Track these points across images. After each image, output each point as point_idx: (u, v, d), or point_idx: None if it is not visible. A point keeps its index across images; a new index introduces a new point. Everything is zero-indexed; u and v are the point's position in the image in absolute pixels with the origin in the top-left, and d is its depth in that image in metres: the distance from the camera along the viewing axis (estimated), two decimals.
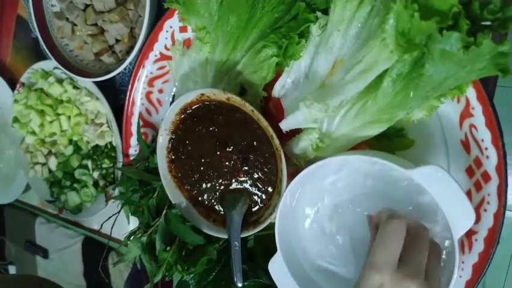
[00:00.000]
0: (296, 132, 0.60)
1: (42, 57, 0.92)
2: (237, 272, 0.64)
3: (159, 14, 0.72)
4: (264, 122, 0.59)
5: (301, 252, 0.64)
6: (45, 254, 1.16)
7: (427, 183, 0.46)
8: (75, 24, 0.75)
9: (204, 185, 0.69)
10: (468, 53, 0.41)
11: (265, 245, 0.70)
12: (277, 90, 0.61)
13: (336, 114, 0.55)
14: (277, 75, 0.63)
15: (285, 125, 0.58)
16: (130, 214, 0.76)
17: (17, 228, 1.27)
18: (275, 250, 0.69)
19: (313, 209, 0.62)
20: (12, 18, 0.96)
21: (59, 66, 0.77)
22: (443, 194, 0.46)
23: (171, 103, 0.76)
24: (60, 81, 0.83)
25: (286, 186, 0.58)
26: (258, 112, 0.59)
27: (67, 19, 0.76)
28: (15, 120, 0.85)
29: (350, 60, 0.52)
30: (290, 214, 0.61)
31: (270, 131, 0.59)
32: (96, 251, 1.03)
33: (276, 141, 0.59)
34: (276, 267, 0.61)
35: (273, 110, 0.68)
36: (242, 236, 0.64)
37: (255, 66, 0.63)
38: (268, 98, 0.67)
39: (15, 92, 0.90)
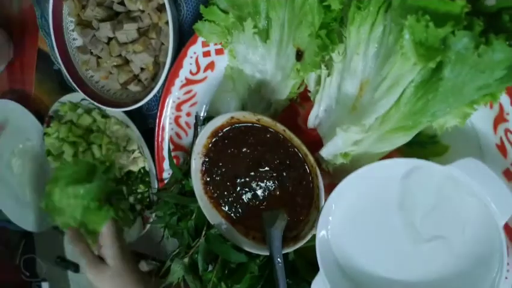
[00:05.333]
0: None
1: (67, 88, 0.94)
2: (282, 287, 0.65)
3: (181, 40, 0.73)
4: (296, 141, 0.60)
5: (344, 266, 0.65)
6: (76, 268, 1.18)
7: (465, 174, 0.48)
8: (99, 57, 0.77)
9: (240, 204, 0.70)
10: (481, 54, 0.41)
11: (307, 258, 0.71)
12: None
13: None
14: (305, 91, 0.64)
15: (326, 153, 0.59)
16: (169, 236, 0.78)
17: (46, 245, 1.30)
18: (316, 262, 0.71)
19: (353, 221, 0.63)
20: (34, 52, 0.98)
21: (87, 98, 0.79)
22: (482, 183, 0.47)
23: (195, 124, 0.78)
24: (88, 111, 0.85)
25: (325, 201, 0.60)
26: (290, 131, 0.60)
27: (91, 53, 0.78)
28: (49, 153, 0.87)
29: (375, 79, 0.52)
30: (330, 229, 0.62)
31: (304, 149, 0.60)
32: None
33: (311, 159, 0.60)
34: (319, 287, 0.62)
35: (303, 125, 0.68)
36: (284, 252, 0.66)
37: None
38: (296, 113, 0.68)
39: (45, 125, 0.92)
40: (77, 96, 0.86)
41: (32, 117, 0.97)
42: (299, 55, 0.57)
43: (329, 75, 0.58)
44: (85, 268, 0.73)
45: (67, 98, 0.87)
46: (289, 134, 0.60)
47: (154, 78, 0.77)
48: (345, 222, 0.63)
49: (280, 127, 0.61)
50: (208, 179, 0.72)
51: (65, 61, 0.80)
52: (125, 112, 0.80)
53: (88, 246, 0.73)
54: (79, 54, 0.79)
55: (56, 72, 0.96)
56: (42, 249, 1.33)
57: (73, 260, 1.18)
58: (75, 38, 0.82)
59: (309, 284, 0.68)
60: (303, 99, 0.67)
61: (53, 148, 0.86)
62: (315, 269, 0.70)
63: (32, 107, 1.00)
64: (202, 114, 0.77)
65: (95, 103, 0.79)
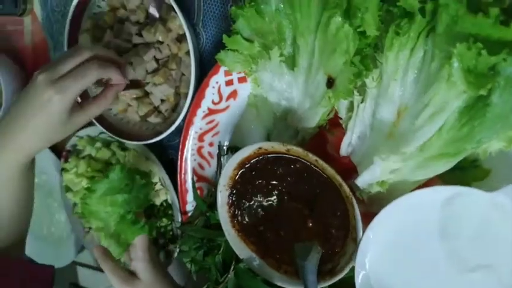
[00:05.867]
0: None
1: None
2: None
3: (202, 70, 0.71)
4: (330, 171, 0.58)
5: None
6: None
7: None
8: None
9: (270, 237, 0.68)
10: None
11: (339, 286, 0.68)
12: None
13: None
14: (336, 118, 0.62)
15: (361, 182, 0.57)
16: (195, 272, 0.75)
17: (59, 272, 1.27)
18: None
19: (392, 252, 0.60)
20: None
21: (106, 131, 0.77)
22: None
23: (219, 154, 0.75)
24: (107, 144, 0.83)
25: (362, 232, 0.57)
26: (322, 161, 0.58)
27: None
28: (68, 189, 0.85)
29: (416, 105, 0.50)
30: (368, 261, 0.60)
31: (338, 179, 0.57)
32: None
33: (346, 189, 0.57)
34: None
35: (333, 152, 0.66)
36: (319, 287, 0.63)
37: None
38: (325, 140, 0.66)
39: (62, 160, 0.90)
40: (95, 129, 0.84)
41: (49, 151, 0.95)
42: (330, 82, 0.55)
43: (362, 101, 0.55)
44: (115, 286, 0.68)
45: (85, 132, 0.85)
46: (322, 163, 0.58)
47: (175, 109, 0.75)
48: (384, 254, 0.60)
49: (312, 157, 0.59)
50: (235, 212, 0.69)
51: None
52: (145, 144, 0.78)
53: (117, 264, 0.68)
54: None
55: None
56: (56, 276, 1.30)
57: (86, 286, 1.16)
58: None
59: None
60: (333, 125, 0.65)
61: (72, 184, 0.84)
62: None
63: None
64: (225, 144, 0.75)
65: (115, 137, 0.77)
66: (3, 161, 0.57)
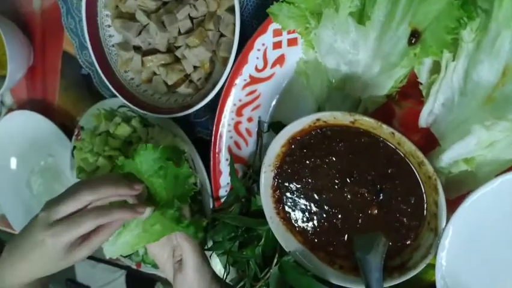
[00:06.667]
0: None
1: (97, 95, 0.82)
2: None
3: (245, 31, 0.61)
4: (410, 146, 0.48)
5: None
6: None
7: None
8: (145, 54, 0.65)
9: (323, 226, 0.58)
10: None
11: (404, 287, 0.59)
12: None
13: None
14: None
15: (448, 157, 0.47)
16: (229, 266, 0.65)
17: None
18: None
19: (474, 247, 0.51)
20: (58, 56, 0.87)
21: (128, 104, 0.67)
22: None
23: (259, 131, 0.65)
24: (127, 120, 0.72)
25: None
26: (400, 134, 0.48)
27: (135, 49, 0.66)
28: (81, 170, 0.75)
29: None
30: (444, 256, 0.50)
31: (420, 155, 0.47)
32: (141, 283, 1.00)
33: (429, 168, 0.47)
34: None
35: (400, 128, 0.56)
36: (385, 285, 0.53)
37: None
38: (391, 113, 0.57)
39: (74, 138, 0.80)
40: (114, 103, 0.74)
41: (57, 129, 0.85)
42: (415, 37, 0.45)
43: (453, 59, 0.45)
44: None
45: (101, 105, 0.75)
46: (399, 137, 0.48)
47: (208, 78, 0.65)
48: (463, 249, 0.51)
49: (386, 130, 0.49)
50: (280, 196, 0.59)
51: (101, 61, 0.69)
52: (173, 118, 0.68)
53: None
54: (119, 51, 0.67)
55: (85, 78, 0.84)
56: None
57: (83, 282, 1.12)
58: (111, 35, 0.70)
59: None
60: (402, 96, 0.55)
61: (86, 164, 0.73)
62: None
63: (55, 118, 0.88)
64: (266, 120, 0.65)
65: (138, 109, 0.67)
66: (9, 281, 0.61)
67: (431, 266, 0.53)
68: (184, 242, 0.58)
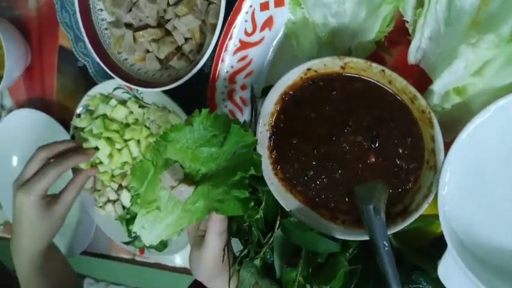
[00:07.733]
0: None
1: (94, 85, 0.82)
2: (393, 278, 0.50)
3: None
4: (401, 82, 0.48)
5: (463, 239, 0.51)
6: None
7: None
8: (137, 29, 0.66)
9: (321, 182, 0.57)
10: None
11: (409, 240, 0.57)
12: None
13: None
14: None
15: (440, 86, 0.47)
16: (232, 236, 0.64)
17: None
18: (421, 244, 0.57)
19: (474, 183, 0.50)
20: (54, 52, 0.88)
21: (123, 83, 0.68)
22: None
23: (253, 98, 0.65)
24: (123, 102, 0.73)
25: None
26: (390, 71, 0.48)
27: (126, 26, 0.67)
28: None
29: None
30: (446, 194, 0.49)
31: (412, 90, 0.47)
32: None
33: (422, 102, 0.47)
34: (449, 269, 0.48)
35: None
36: (389, 232, 0.52)
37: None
38: (381, 62, 0.56)
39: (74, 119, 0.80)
40: (108, 86, 0.74)
41: (57, 125, 0.85)
42: None
43: None
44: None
45: (97, 89, 0.75)
46: (389, 74, 0.48)
47: (199, 50, 0.66)
48: (463, 185, 0.50)
49: (376, 68, 0.49)
50: (277, 156, 0.59)
51: (95, 44, 0.70)
52: (169, 96, 0.68)
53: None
54: (111, 29, 0.68)
55: (81, 70, 0.85)
56: None
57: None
58: (103, 19, 0.71)
59: (423, 271, 0.55)
60: (391, 44, 0.55)
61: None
62: (422, 255, 0.57)
63: (54, 114, 0.88)
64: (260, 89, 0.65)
65: (132, 86, 0.67)
66: (21, 256, 0.69)
67: (436, 217, 0.51)
68: (211, 221, 0.53)
